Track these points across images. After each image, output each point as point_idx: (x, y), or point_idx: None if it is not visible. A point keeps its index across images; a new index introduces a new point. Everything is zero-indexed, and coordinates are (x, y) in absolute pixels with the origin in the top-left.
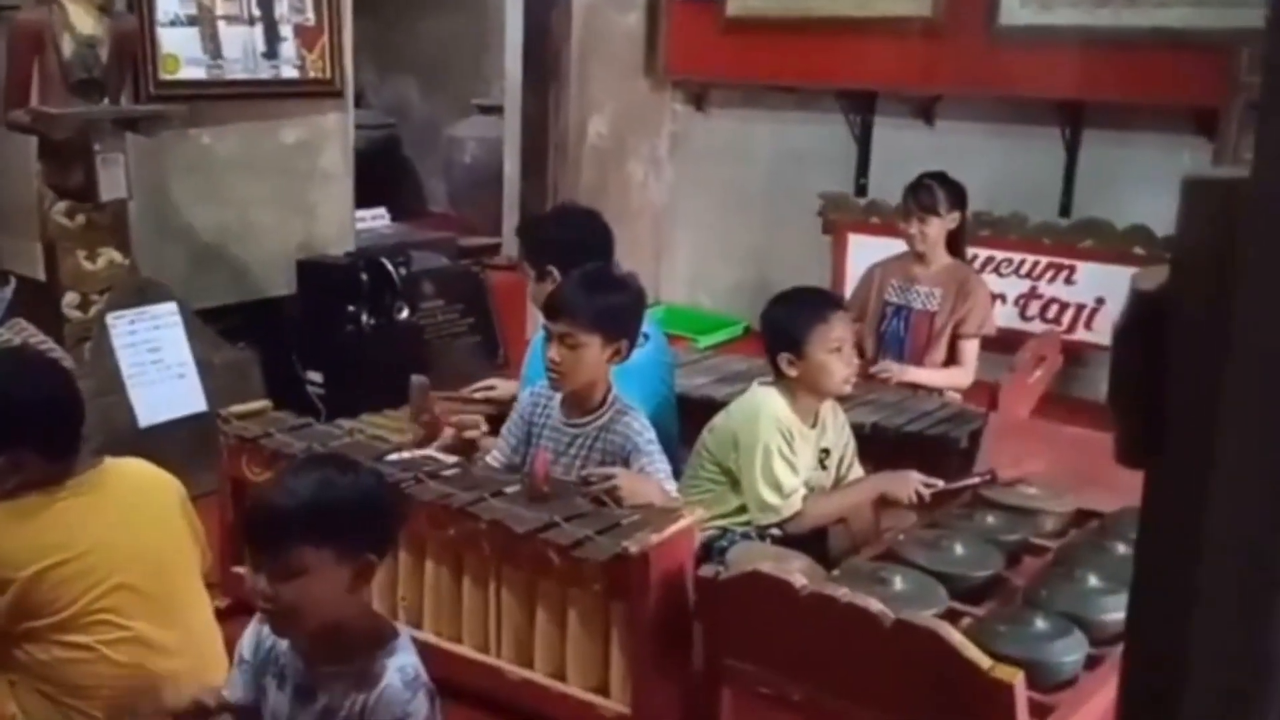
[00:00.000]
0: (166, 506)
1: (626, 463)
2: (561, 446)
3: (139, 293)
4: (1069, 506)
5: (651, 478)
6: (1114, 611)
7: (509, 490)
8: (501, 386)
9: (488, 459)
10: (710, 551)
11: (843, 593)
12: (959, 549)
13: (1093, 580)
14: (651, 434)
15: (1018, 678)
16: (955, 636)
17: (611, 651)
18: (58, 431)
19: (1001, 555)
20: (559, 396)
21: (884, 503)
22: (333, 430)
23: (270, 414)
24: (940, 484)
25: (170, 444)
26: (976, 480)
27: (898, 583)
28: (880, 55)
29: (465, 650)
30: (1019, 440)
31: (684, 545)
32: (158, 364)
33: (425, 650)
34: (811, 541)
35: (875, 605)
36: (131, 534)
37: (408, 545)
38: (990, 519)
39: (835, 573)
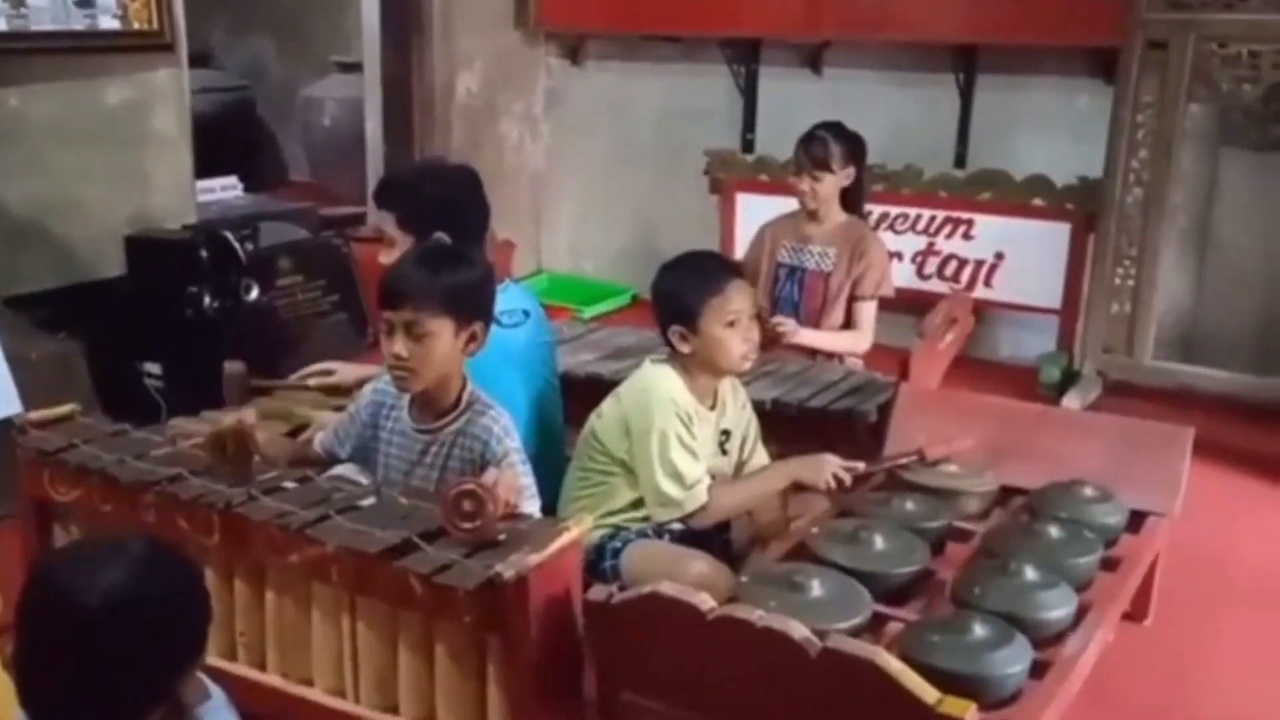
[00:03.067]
0: None
1: (484, 470)
2: (414, 456)
3: None
4: (991, 485)
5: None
6: (1055, 609)
7: (364, 504)
8: (342, 371)
9: (314, 442)
10: (602, 554)
11: (758, 615)
12: (879, 542)
13: (1029, 574)
14: (515, 439)
15: (969, 711)
16: (894, 664)
17: (489, 691)
18: None
19: (925, 546)
20: (407, 398)
21: (795, 488)
22: (151, 438)
23: (78, 420)
24: (861, 466)
25: None
26: (902, 461)
27: (815, 587)
28: (763, 1)
29: (317, 695)
30: (931, 412)
31: (568, 564)
32: None
33: (271, 695)
34: (714, 536)
35: (798, 630)
36: None
37: (243, 573)
38: (909, 504)
39: (744, 578)
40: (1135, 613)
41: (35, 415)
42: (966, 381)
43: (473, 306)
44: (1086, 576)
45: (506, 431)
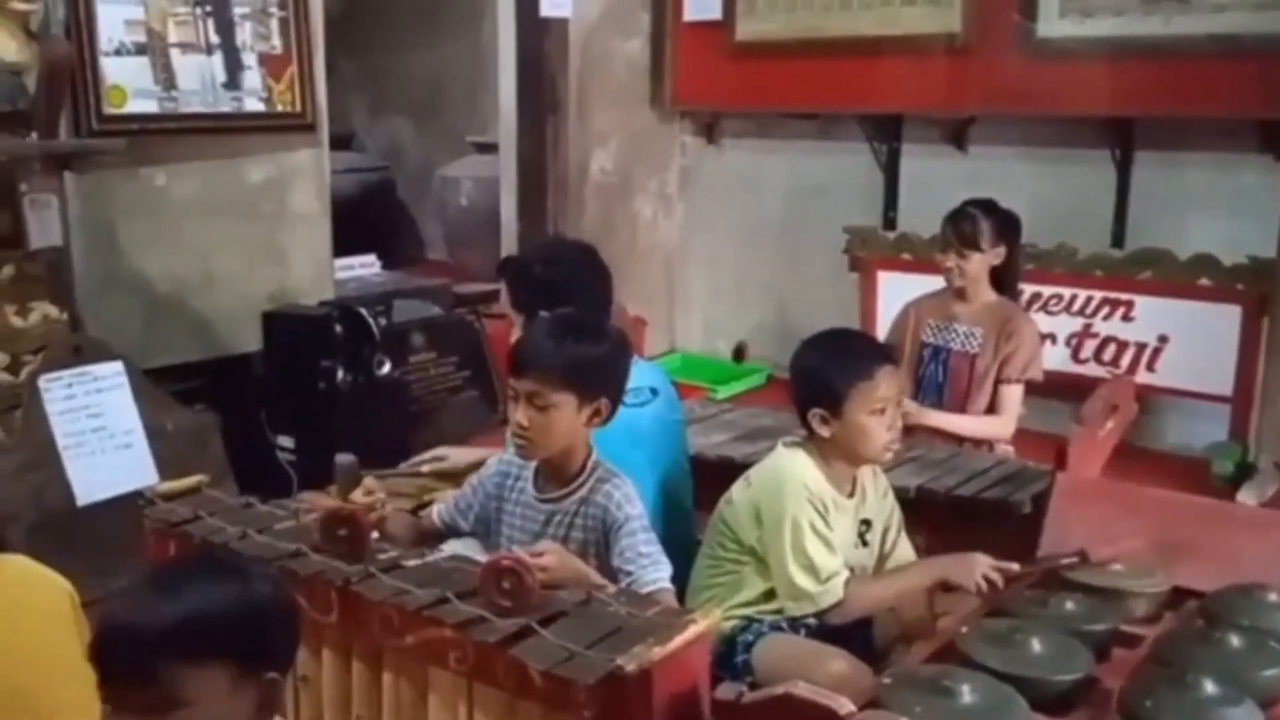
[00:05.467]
0: (50, 624)
1: (608, 540)
2: (537, 526)
3: (77, 352)
4: (1162, 585)
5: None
6: None
7: None
8: (454, 456)
9: (431, 515)
10: (733, 647)
11: None
12: (1037, 645)
13: (1209, 687)
14: (637, 506)
15: None
16: None
17: None
18: None
19: (1088, 651)
20: (532, 469)
21: (942, 586)
22: (275, 512)
23: (204, 492)
24: (1015, 568)
25: (112, 525)
26: (1062, 563)
27: (966, 693)
28: (905, 76)
29: None
30: (1091, 504)
31: (695, 658)
32: (99, 432)
33: None
34: (854, 632)
35: None
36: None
37: (361, 654)
38: (1070, 604)
39: (886, 679)
40: None
41: (163, 487)
42: (1130, 472)
43: (598, 381)
44: (1274, 692)
45: (628, 498)
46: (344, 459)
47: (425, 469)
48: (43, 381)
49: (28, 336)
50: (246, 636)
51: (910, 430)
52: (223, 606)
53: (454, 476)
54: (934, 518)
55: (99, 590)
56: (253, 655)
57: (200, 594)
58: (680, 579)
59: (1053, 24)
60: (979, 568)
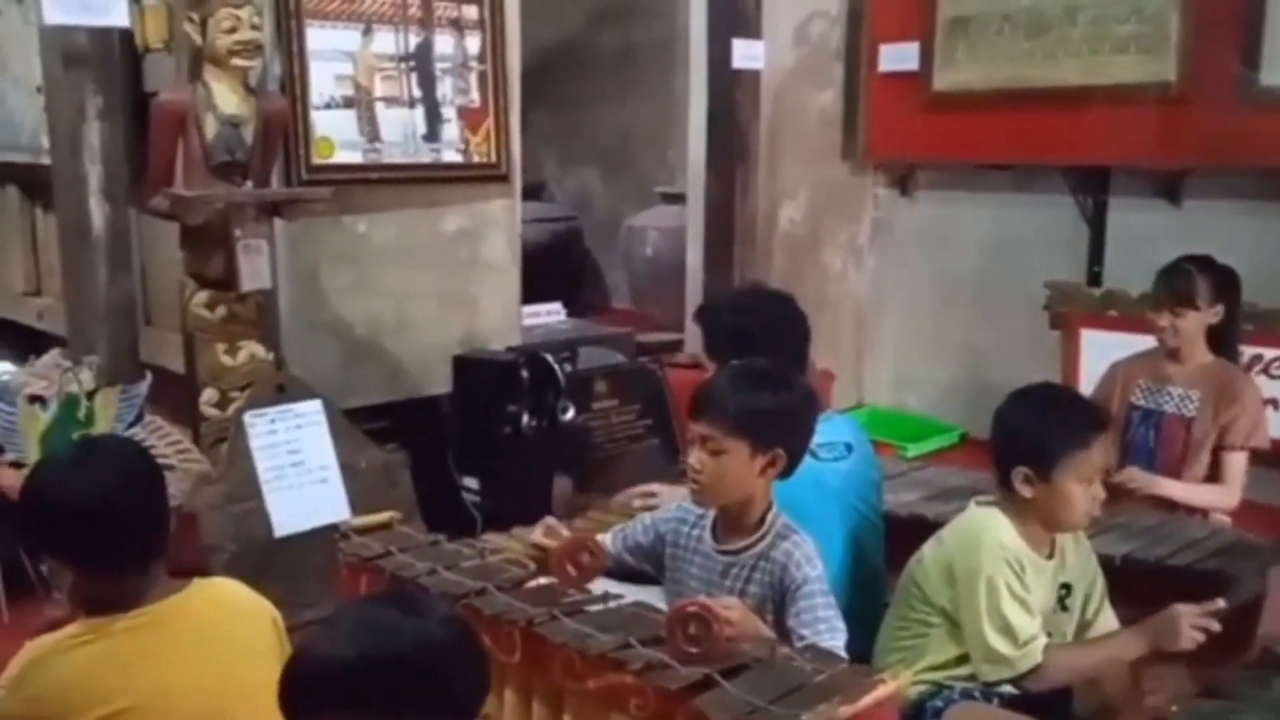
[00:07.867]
0: (256, 646)
1: (784, 599)
2: (714, 577)
3: (281, 390)
4: None
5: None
6: None
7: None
8: (665, 493)
9: (606, 541)
10: (921, 713)
11: None
12: None
13: None
14: (817, 567)
15: None
16: None
17: None
18: (99, 546)
19: None
20: (710, 517)
21: (1153, 657)
22: (462, 550)
23: (396, 528)
24: (1222, 603)
25: (307, 557)
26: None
27: None
28: (1114, 127)
29: None
30: None
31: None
32: (298, 467)
33: None
34: (1051, 703)
35: None
36: (207, 681)
37: (542, 696)
38: None
39: None
40: None
41: (357, 521)
42: None
43: (773, 431)
44: None
45: (808, 559)
46: (561, 482)
47: (636, 504)
48: (248, 417)
49: (236, 374)
50: (418, 689)
51: (1118, 495)
52: (395, 656)
53: None
54: (1140, 589)
55: (294, 619)
56: (423, 708)
57: (377, 641)
58: (868, 640)
59: (1277, 73)
60: (1184, 621)
